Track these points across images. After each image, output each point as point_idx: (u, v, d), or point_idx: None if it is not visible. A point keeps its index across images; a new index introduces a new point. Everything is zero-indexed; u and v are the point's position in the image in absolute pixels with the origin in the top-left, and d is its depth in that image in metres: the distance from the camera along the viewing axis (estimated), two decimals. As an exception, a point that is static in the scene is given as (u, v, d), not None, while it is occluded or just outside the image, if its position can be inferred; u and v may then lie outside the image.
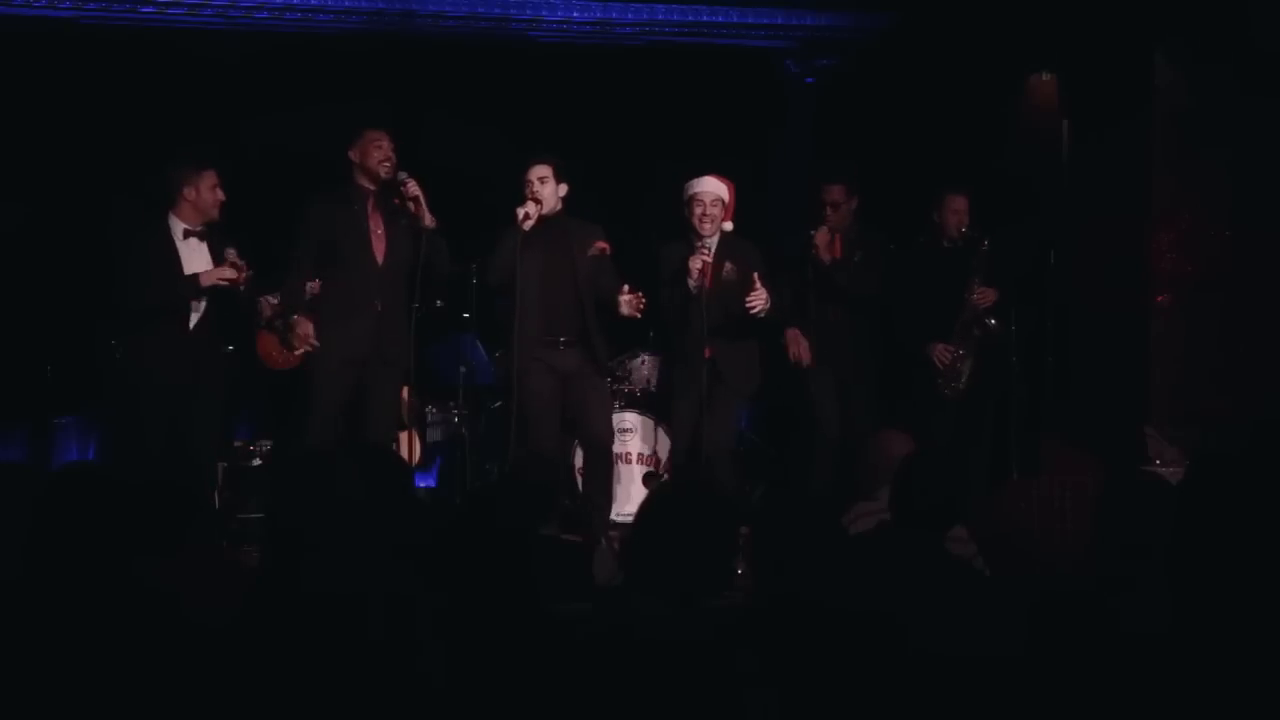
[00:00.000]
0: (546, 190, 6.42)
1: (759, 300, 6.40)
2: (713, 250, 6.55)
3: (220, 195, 6.34)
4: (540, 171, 6.43)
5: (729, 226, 6.58)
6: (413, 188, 6.30)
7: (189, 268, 6.32)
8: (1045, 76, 8.41)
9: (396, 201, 6.36)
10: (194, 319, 6.37)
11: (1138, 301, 7.88)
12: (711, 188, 6.56)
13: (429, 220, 6.33)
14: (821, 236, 6.96)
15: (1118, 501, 3.32)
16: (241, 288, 6.26)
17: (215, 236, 6.36)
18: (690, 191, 6.57)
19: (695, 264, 6.41)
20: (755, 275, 6.46)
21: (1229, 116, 7.72)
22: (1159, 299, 7.88)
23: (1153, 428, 7.69)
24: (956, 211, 7.08)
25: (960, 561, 3.81)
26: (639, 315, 6.48)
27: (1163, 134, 7.85)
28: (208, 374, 6.41)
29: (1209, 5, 7.58)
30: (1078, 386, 7.78)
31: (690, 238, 6.56)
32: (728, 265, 6.56)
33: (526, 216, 6.35)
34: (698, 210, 6.52)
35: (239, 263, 6.24)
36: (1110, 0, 7.75)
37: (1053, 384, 7.49)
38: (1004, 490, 5.02)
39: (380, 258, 6.36)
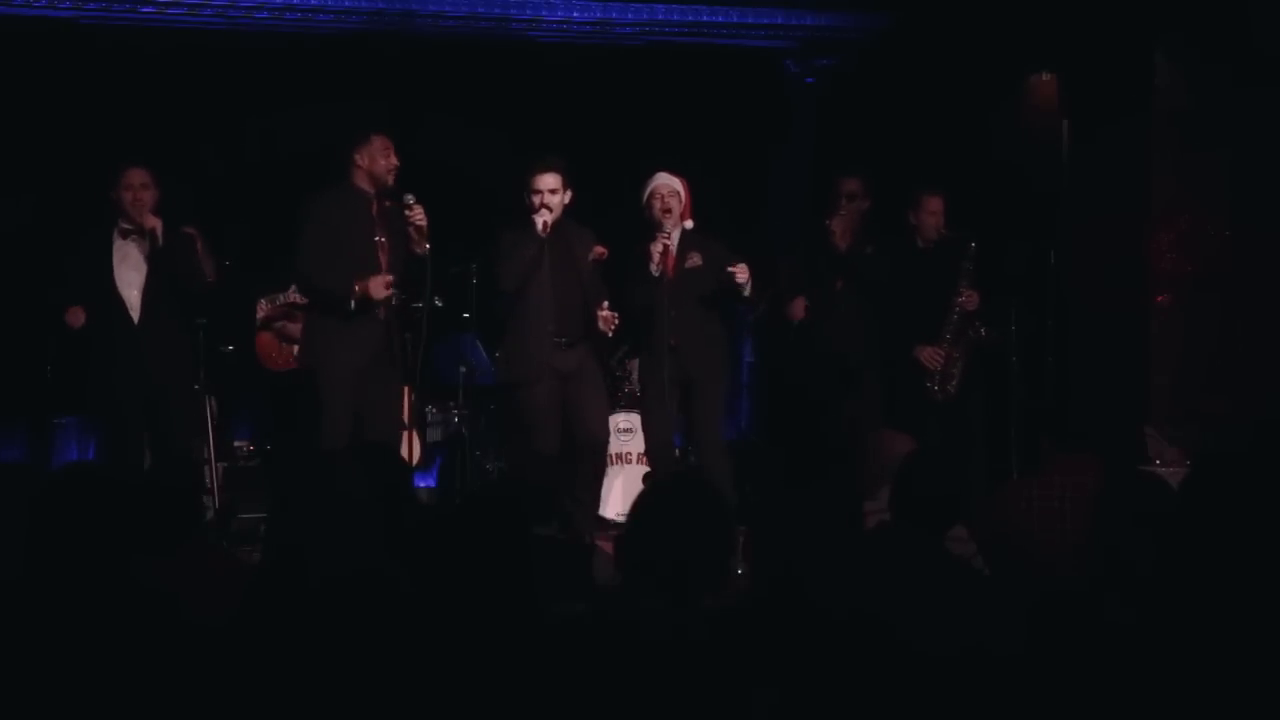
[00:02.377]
0: (555, 200, 6.44)
1: (742, 273, 6.45)
2: (675, 244, 6.60)
3: (135, 197, 6.36)
4: (550, 182, 6.43)
5: (689, 225, 6.63)
6: (418, 216, 6.24)
7: (120, 269, 6.40)
8: (1045, 76, 8.41)
9: (403, 216, 6.31)
10: (136, 315, 6.40)
11: (1138, 301, 7.88)
12: (665, 181, 6.65)
13: (423, 249, 6.31)
14: (838, 223, 7.00)
15: (1118, 501, 3.32)
16: (159, 241, 6.30)
17: (153, 243, 6.34)
18: (649, 189, 6.65)
19: (656, 247, 6.50)
20: (733, 263, 6.50)
21: (1228, 116, 7.72)
22: (1159, 299, 7.88)
23: (1153, 428, 7.69)
24: (933, 213, 7.10)
25: (960, 561, 3.81)
26: (610, 333, 6.55)
27: (1163, 134, 7.85)
28: (167, 369, 6.41)
29: (1209, 5, 7.58)
30: (1078, 386, 7.78)
31: (654, 234, 6.61)
32: (692, 255, 6.61)
33: (546, 226, 6.37)
34: (656, 204, 6.60)
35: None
36: (1110, 0, 7.75)
37: (1053, 384, 7.49)
38: (1004, 490, 5.02)
39: (385, 264, 6.34)
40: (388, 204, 6.31)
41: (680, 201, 6.63)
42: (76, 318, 6.35)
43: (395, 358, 6.42)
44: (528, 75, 8.44)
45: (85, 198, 7.63)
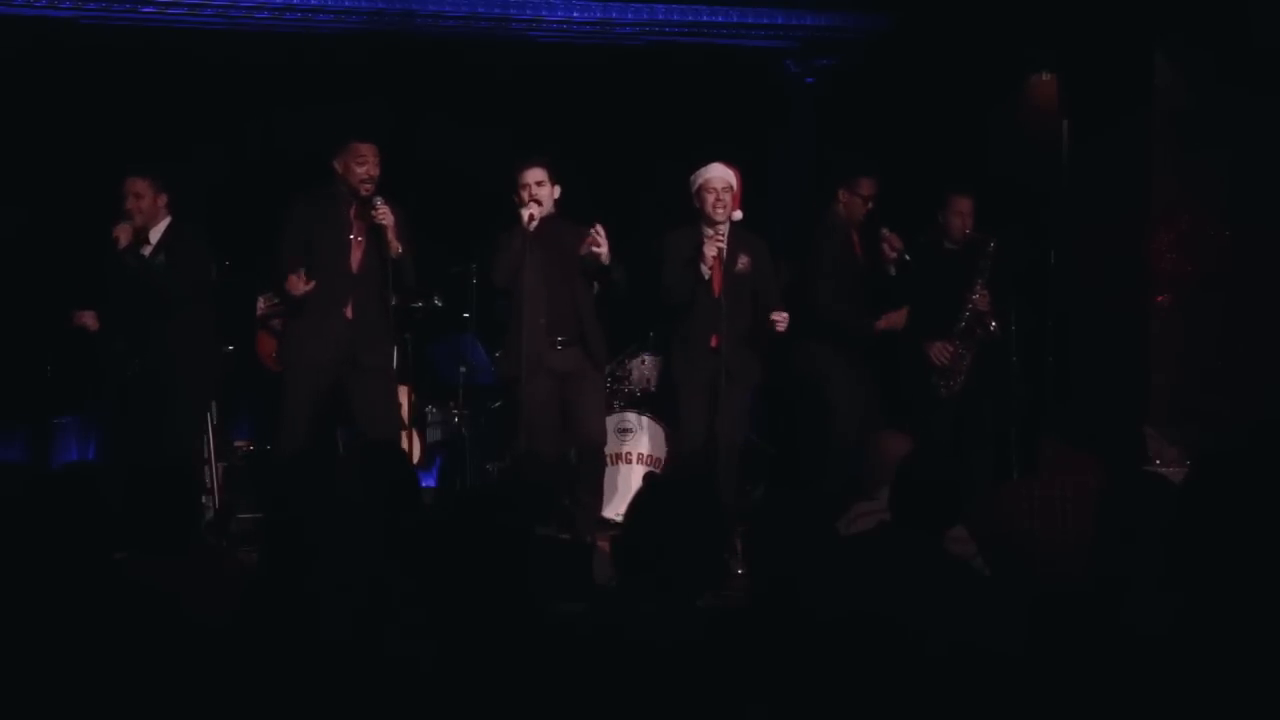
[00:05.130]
0: (544, 193, 6.44)
1: (783, 321, 6.50)
2: (725, 239, 6.55)
3: (128, 206, 6.43)
4: (536, 175, 6.44)
5: (738, 215, 6.56)
6: (383, 215, 6.27)
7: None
8: (1045, 76, 8.41)
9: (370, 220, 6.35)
10: (142, 314, 6.48)
11: (1138, 301, 7.88)
12: (720, 174, 6.56)
13: (395, 249, 6.31)
14: (894, 238, 7.02)
15: (1118, 501, 3.32)
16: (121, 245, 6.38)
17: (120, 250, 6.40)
18: (700, 180, 6.57)
19: (710, 250, 6.44)
20: (777, 312, 6.53)
21: (1229, 116, 7.71)
22: (1159, 299, 7.88)
23: (1153, 428, 7.69)
24: (960, 213, 7.10)
25: (960, 561, 3.81)
26: (599, 247, 6.39)
27: (1163, 134, 7.84)
28: (150, 359, 6.45)
29: (1209, 5, 7.58)
30: (1078, 386, 7.77)
31: (702, 227, 6.55)
32: (741, 259, 6.58)
33: (531, 219, 6.36)
34: (710, 198, 6.51)
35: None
36: (1110, 0, 7.75)
37: (1053, 384, 7.49)
38: (1004, 490, 5.02)
39: (355, 265, 6.37)
40: (370, 214, 6.33)
41: (732, 195, 6.54)
42: (86, 320, 6.52)
43: (370, 360, 6.41)
44: (528, 75, 8.44)
45: (84, 198, 7.65)
